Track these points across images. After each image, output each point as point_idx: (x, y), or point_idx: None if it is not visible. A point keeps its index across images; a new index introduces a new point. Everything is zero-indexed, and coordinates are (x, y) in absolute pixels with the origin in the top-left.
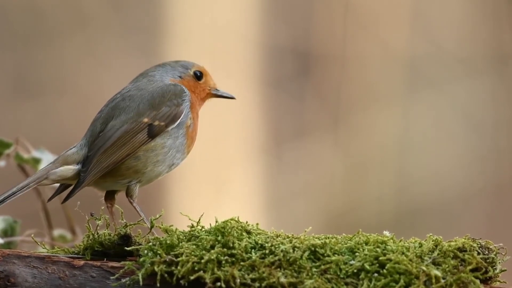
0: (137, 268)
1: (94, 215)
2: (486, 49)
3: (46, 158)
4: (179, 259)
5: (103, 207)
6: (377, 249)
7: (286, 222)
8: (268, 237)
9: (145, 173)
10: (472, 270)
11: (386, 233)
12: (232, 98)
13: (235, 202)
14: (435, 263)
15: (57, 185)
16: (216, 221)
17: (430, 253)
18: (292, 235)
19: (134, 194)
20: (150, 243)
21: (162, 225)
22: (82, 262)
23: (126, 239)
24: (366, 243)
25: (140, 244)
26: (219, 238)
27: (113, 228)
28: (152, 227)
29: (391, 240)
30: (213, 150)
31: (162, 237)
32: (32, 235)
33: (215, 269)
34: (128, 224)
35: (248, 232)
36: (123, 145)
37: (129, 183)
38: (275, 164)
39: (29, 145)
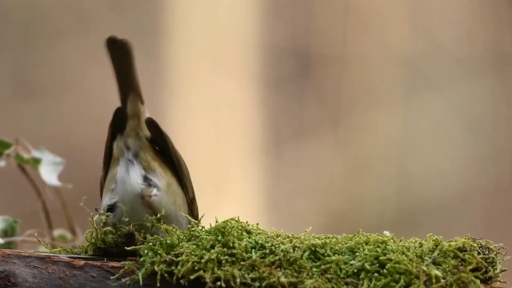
0: (137, 268)
1: (99, 211)
2: (485, 50)
3: (46, 159)
4: (179, 258)
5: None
6: (377, 249)
7: (286, 222)
8: (268, 237)
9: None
10: (472, 270)
11: (386, 233)
12: None
13: (235, 202)
14: (435, 263)
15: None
16: (216, 221)
17: (430, 253)
18: (292, 235)
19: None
20: (150, 243)
21: (162, 224)
22: (82, 262)
23: (129, 237)
24: (366, 243)
25: (143, 243)
26: (219, 238)
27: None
28: (152, 226)
29: (391, 240)
30: (213, 151)
31: (162, 237)
32: (36, 234)
33: (215, 269)
34: (133, 224)
35: (248, 232)
36: (184, 166)
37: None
38: (275, 165)
39: (29, 145)
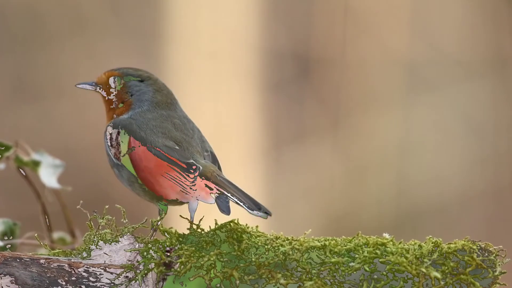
0: (136, 269)
1: (97, 214)
2: (486, 52)
3: (46, 161)
4: (178, 260)
5: (106, 206)
6: (377, 251)
7: (286, 225)
8: (267, 239)
9: None
10: (472, 272)
11: (386, 235)
12: None
13: (235, 204)
14: (435, 265)
15: None
16: (216, 223)
17: (429, 255)
18: (292, 237)
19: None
20: (150, 245)
21: (161, 227)
22: (81, 264)
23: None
24: (366, 245)
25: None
26: (219, 240)
27: (114, 228)
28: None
29: (391, 242)
30: None
31: (162, 239)
32: (36, 235)
33: (215, 271)
34: (132, 226)
35: (248, 234)
36: None
37: None
38: (275, 167)
39: (28, 148)
